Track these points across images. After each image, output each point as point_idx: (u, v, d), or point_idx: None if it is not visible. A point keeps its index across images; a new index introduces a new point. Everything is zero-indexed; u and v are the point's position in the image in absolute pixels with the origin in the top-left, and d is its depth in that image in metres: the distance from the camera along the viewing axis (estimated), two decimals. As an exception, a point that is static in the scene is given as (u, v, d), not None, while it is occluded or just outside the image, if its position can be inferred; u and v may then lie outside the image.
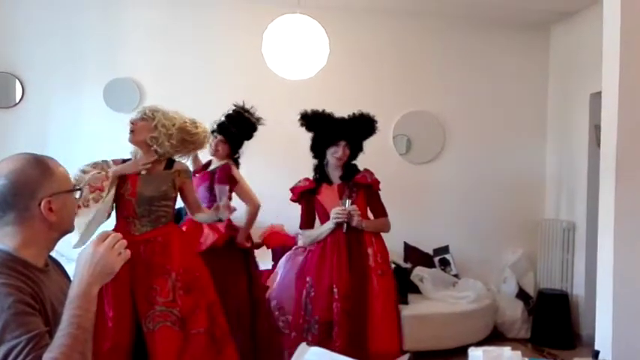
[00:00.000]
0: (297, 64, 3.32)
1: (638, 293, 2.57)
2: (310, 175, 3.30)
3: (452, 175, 5.10)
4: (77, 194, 1.47)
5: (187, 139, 2.90)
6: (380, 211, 3.27)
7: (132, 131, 2.82)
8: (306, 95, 4.61)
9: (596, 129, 4.53)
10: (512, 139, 5.20)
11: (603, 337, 2.60)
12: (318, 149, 3.24)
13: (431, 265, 4.87)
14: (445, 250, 4.97)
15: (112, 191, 2.74)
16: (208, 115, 4.34)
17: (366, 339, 3.01)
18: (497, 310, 4.74)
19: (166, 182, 2.85)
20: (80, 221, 2.62)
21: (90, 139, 4.50)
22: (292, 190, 3.29)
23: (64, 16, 4.55)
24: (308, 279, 3.16)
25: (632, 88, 2.77)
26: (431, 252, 4.97)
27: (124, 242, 1.33)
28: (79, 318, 1.22)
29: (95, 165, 2.86)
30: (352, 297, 3.04)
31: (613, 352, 2.47)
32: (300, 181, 3.29)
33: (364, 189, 3.21)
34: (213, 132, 3.41)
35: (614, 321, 2.55)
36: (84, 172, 2.80)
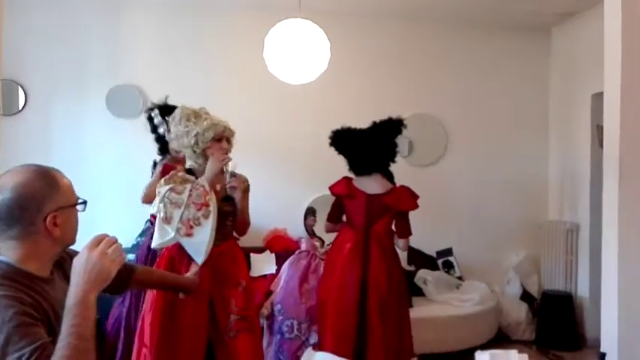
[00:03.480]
0: (298, 68, 3.33)
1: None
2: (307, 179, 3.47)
3: (454, 177, 5.09)
4: (81, 207, 1.44)
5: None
6: (402, 232, 3.42)
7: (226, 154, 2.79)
8: (308, 99, 4.64)
9: (598, 129, 4.53)
10: (515, 140, 5.20)
11: (609, 339, 2.59)
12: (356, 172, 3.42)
13: (434, 267, 4.87)
14: (449, 252, 4.96)
15: (214, 201, 2.66)
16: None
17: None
18: (501, 312, 4.72)
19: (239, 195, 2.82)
20: (197, 240, 2.58)
21: (93, 146, 4.52)
22: (330, 188, 3.44)
23: (67, 24, 4.57)
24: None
25: (633, 88, 2.77)
26: (434, 254, 4.96)
27: (119, 246, 1.30)
28: (78, 327, 1.19)
29: (175, 179, 2.75)
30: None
31: (619, 354, 2.47)
32: (340, 180, 3.42)
33: (396, 211, 3.34)
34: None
35: (619, 322, 2.54)
36: (171, 190, 2.70)
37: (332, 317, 3.18)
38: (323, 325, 3.24)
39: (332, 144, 3.37)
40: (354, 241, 3.28)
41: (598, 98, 4.34)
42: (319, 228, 4.24)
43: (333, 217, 3.44)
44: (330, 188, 3.40)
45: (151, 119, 3.60)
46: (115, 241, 1.30)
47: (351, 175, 3.39)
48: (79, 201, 1.43)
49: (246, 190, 2.81)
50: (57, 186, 1.37)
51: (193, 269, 2.07)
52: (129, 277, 1.74)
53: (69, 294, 1.23)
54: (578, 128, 4.82)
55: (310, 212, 4.59)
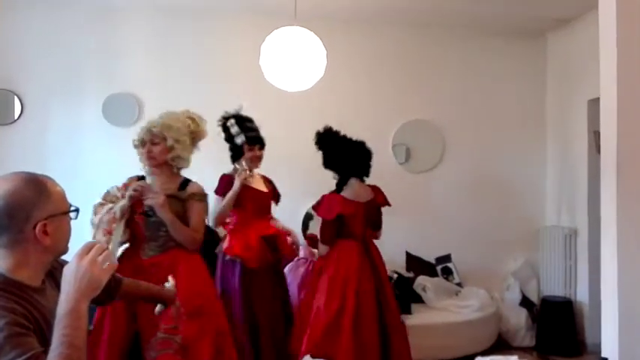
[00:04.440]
0: (294, 75, 3.33)
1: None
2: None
3: (452, 183, 5.09)
4: (74, 215, 1.42)
5: (195, 136, 2.87)
6: (379, 226, 3.66)
7: (151, 158, 2.74)
8: (305, 105, 4.63)
9: (595, 135, 4.54)
10: (512, 146, 5.20)
11: (609, 345, 2.58)
12: None
13: (433, 274, 4.85)
14: (447, 258, 4.95)
15: (119, 231, 2.64)
16: (208, 127, 4.36)
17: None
18: (501, 318, 4.71)
19: (178, 204, 2.71)
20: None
21: (90, 155, 4.51)
22: (328, 211, 3.49)
23: (63, 32, 4.56)
24: None
25: (630, 93, 2.77)
26: (433, 261, 4.95)
27: (109, 253, 1.28)
28: (70, 337, 1.17)
29: (106, 197, 2.77)
30: None
31: (620, 354, 2.45)
32: (332, 199, 3.50)
33: None
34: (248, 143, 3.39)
35: (620, 328, 2.52)
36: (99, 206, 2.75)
37: (351, 332, 3.14)
38: (338, 345, 3.13)
39: (331, 145, 3.43)
40: (357, 251, 3.33)
41: (594, 104, 4.35)
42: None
43: (331, 239, 3.37)
44: (329, 212, 3.34)
45: (226, 129, 3.43)
46: (105, 248, 1.27)
47: (330, 186, 3.49)
48: (72, 209, 1.41)
49: (197, 200, 2.71)
50: (47, 193, 1.34)
51: (172, 280, 2.01)
52: (116, 288, 1.72)
53: (59, 303, 1.21)
54: (575, 134, 4.82)
55: (309, 217, 4.59)
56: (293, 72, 3.28)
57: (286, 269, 3.78)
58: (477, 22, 4.93)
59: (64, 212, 1.38)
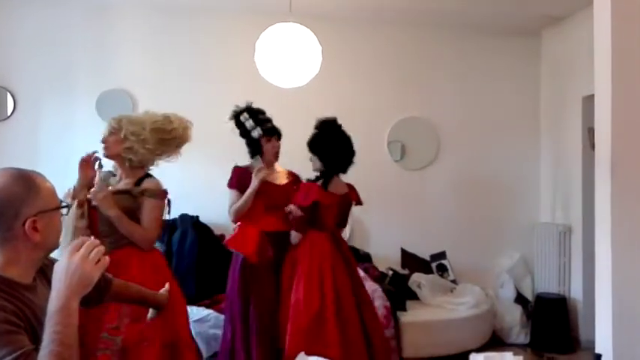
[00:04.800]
0: (289, 72, 3.32)
1: (637, 295, 2.57)
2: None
3: (447, 180, 5.10)
4: (64, 211, 1.40)
5: (166, 137, 2.70)
6: (346, 223, 3.67)
7: (105, 148, 2.67)
8: (301, 103, 4.62)
9: (589, 132, 4.55)
10: (506, 143, 5.21)
11: (603, 341, 2.59)
12: None
13: (428, 271, 4.86)
14: (442, 255, 4.95)
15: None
16: (202, 125, 4.33)
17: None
18: (495, 315, 4.72)
19: (130, 200, 2.59)
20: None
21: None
22: (306, 198, 3.46)
23: (56, 29, 4.53)
24: None
25: (624, 90, 2.78)
26: (428, 258, 4.95)
27: (101, 249, 1.26)
28: (61, 334, 1.15)
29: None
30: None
31: (614, 356, 2.46)
32: (311, 187, 3.45)
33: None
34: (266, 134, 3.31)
35: (614, 324, 2.54)
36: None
37: (335, 328, 3.12)
38: (323, 339, 3.10)
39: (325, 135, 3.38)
40: (328, 242, 3.30)
41: (589, 100, 4.36)
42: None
43: (304, 227, 3.31)
44: (305, 198, 3.28)
45: (241, 124, 3.32)
46: (96, 245, 1.25)
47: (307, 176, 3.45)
48: (62, 205, 1.39)
49: (149, 196, 2.57)
50: (36, 189, 1.32)
51: (167, 286, 1.93)
52: (106, 288, 1.68)
53: (50, 300, 1.20)
54: (569, 130, 4.84)
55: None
56: (288, 68, 3.27)
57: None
58: (472, 21, 4.94)
59: (53, 208, 1.36)
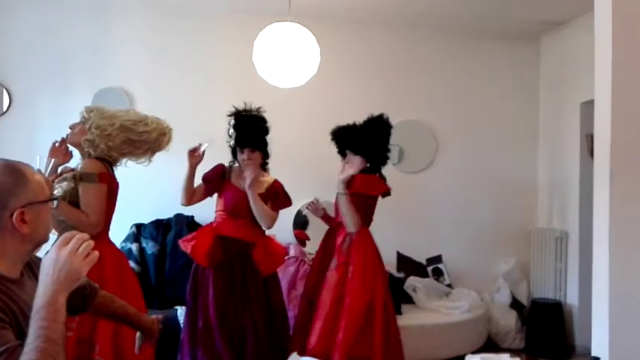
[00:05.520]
0: (287, 72, 3.30)
1: (634, 301, 2.55)
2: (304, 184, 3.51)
3: (444, 184, 5.08)
4: (54, 204, 1.38)
5: (135, 138, 2.62)
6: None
7: (69, 134, 2.64)
8: (298, 104, 4.61)
9: (587, 138, 4.54)
10: (504, 148, 5.20)
11: (600, 347, 2.57)
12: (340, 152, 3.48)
13: (424, 274, 4.84)
14: (438, 259, 4.94)
15: None
16: (199, 124, 4.31)
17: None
18: (490, 320, 4.70)
19: (69, 186, 2.50)
20: None
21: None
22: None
23: (53, 25, 4.50)
24: None
25: (624, 96, 2.77)
26: (424, 262, 4.94)
27: (91, 243, 1.23)
28: (47, 330, 1.12)
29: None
30: (311, 291, 3.31)
31: (610, 356, 2.45)
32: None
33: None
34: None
35: (610, 329, 2.52)
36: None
37: (381, 329, 3.09)
38: (369, 340, 3.05)
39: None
40: (373, 239, 3.34)
41: (587, 106, 4.36)
42: (313, 245, 4.27)
43: (368, 220, 3.36)
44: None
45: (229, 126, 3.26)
46: (85, 239, 1.23)
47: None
48: (52, 197, 1.38)
49: (81, 180, 2.49)
50: (25, 181, 1.30)
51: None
52: (92, 296, 1.64)
53: (37, 295, 1.17)
54: (567, 136, 4.83)
55: (300, 225, 4.56)
56: (286, 68, 3.24)
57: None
58: (471, 25, 4.93)
59: (42, 201, 1.34)
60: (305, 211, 3.65)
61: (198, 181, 3.22)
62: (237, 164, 3.24)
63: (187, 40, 4.68)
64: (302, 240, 4.39)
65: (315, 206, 3.51)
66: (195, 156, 3.08)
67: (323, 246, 3.42)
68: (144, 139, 2.66)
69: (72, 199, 2.49)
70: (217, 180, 3.20)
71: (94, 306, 1.65)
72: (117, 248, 2.84)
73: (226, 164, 3.29)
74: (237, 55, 4.23)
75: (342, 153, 3.40)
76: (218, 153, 3.26)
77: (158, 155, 3.05)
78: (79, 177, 2.51)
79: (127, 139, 2.61)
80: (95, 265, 2.36)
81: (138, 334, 1.73)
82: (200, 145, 3.10)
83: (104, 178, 2.57)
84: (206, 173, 3.23)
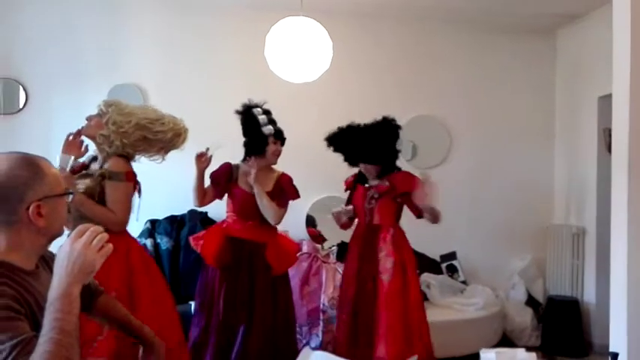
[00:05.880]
0: (299, 66, 3.28)
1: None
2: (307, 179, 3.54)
3: (458, 180, 5.03)
4: (69, 197, 1.39)
5: (150, 137, 2.62)
6: (415, 213, 3.47)
7: (86, 125, 2.64)
8: (310, 99, 4.60)
9: (604, 132, 4.47)
10: (520, 143, 5.14)
11: (618, 344, 2.53)
12: (349, 163, 3.44)
13: (438, 271, 4.81)
14: (452, 256, 4.90)
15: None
16: (212, 120, 4.33)
17: (372, 344, 3.09)
18: (505, 317, 4.66)
19: (93, 182, 2.52)
20: None
21: (93, 145, 4.48)
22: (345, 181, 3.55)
23: (68, 22, 4.54)
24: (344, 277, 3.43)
25: (643, 90, 2.72)
26: (438, 258, 4.90)
27: (105, 236, 1.23)
28: (61, 321, 1.13)
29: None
30: (355, 302, 3.19)
31: (629, 358, 2.41)
32: (350, 176, 3.53)
33: (394, 196, 3.35)
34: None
35: (629, 326, 2.49)
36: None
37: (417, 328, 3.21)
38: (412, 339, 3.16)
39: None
40: None
41: (604, 101, 4.29)
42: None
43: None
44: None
45: (251, 118, 3.16)
46: (100, 231, 1.23)
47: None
48: (68, 191, 1.39)
49: (108, 179, 2.49)
50: (42, 174, 1.31)
51: (152, 333, 1.71)
52: (96, 295, 1.63)
53: (51, 287, 1.18)
54: (584, 131, 4.76)
55: (312, 223, 4.57)
56: (298, 63, 3.23)
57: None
58: (486, 19, 4.87)
59: (59, 194, 1.35)
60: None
61: (208, 181, 3.22)
62: (243, 164, 3.20)
63: (200, 35, 4.69)
64: (317, 238, 4.37)
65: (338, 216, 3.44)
66: (202, 160, 3.08)
67: (358, 253, 3.31)
68: (159, 138, 2.67)
69: (91, 196, 2.52)
70: (225, 182, 3.17)
71: (98, 307, 1.63)
72: (138, 243, 2.88)
73: (233, 163, 3.28)
74: (250, 50, 4.23)
75: (351, 161, 3.41)
76: (225, 152, 3.24)
77: (172, 152, 3.07)
78: (107, 175, 2.53)
79: (142, 137, 2.61)
80: (122, 260, 2.46)
81: (141, 350, 1.68)
82: (207, 149, 3.09)
83: (130, 176, 2.62)
84: (214, 172, 3.21)
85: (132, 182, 2.62)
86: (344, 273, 3.44)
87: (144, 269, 2.60)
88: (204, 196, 3.17)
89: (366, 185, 3.39)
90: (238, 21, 4.68)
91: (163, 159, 2.83)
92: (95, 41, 4.56)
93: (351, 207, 3.35)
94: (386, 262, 3.22)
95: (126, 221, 2.60)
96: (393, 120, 3.33)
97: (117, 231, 2.49)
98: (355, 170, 3.48)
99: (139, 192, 2.71)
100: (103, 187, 2.53)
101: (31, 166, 1.31)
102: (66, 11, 4.54)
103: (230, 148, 3.25)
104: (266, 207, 3.05)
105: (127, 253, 2.55)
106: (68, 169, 2.55)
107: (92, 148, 2.76)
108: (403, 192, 3.30)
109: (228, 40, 4.70)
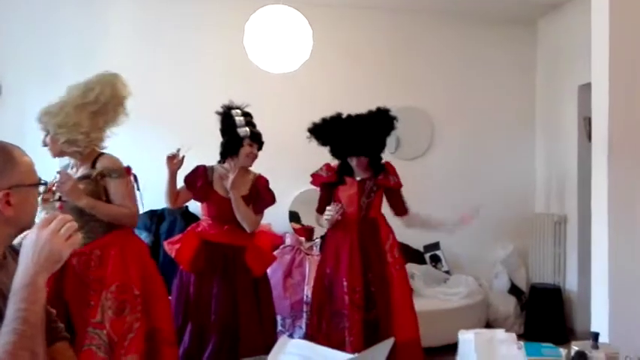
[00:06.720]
0: (279, 56, 3.23)
1: (633, 284, 2.54)
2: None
3: (441, 170, 5.05)
4: (41, 188, 1.35)
5: (94, 108, 2.50)
6: (401, 211, 3.42)
7: (49, 150, 2.53)
8: (292, 91, 4.55)
9: (585, 121, 4.50)
10: (501, 133, 5.16)
11: (599, 330, 2.56)
12: (336, 156, 3.29)
13: (422, 261, 4.82)
14: (436, 246, 4.91)
15: None
16: (192, 112, 4.27)
17: (391, 330, 3.08)
18: (489, 305, 4.69)
19: (92, 184, 2.46)
20: None
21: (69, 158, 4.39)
22: (312, 176, 3.35)
23: (44, 13, 4.43)
24: (328, 271, 3.22)
25: (622, 78, 2.73)
26: (421, 248, 4.91)
27: (74, 225, 1.18)
28: (25, 312, 1.09)
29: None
30: (375, 289, 3.16)
31: (610, 341, 2.43)
32: (321, 169, 3.33)
33: (385, 189, 3.32)
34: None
35: (610, 313, 2.51)
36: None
37: None
38: None
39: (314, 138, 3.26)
40: None
41: (585, 89, 4.32)
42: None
43: (323, 208, 3.34)
44: (313, 176, 3.32)
45: (229, 118, 3.06)
46: (68, 220, 1.18)
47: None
48: (40, 182, 1.34)
49: (110, 177, 2.46)
50: (13, 162, 1.27)
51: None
52: (54, 339, 1.48)
53: (16, 275, 1.13)
54: (564, 120, 4.79)
55: (295, 218, 4.52)
56: (278, 52, 3.18)
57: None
58: (467, 8, 4.87)
59: (30, 184, 1.31)
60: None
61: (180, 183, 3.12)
62: (218, 167, 3.11)
63: (179, 24, 4.61)
64: (306, 233, 4.31)
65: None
66: (174, 162, 2.97)
67: (358, 246, 3.21)
68: (102, 101, 2.55)
69: (98, 198, 2.49)
70: (202, 184, 3.05)
71: (51, 350, 1.45)
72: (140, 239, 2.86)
73: (207, 165, 3.17)
74: (232, 40, 4.16)
75: (339, 153, 3.24)
76: (204, 149, 3.17)
77: (152, 145, 3.00)
78: (108, 173, 2.49)
79: (90, 115, 2.50)
80: (137, 260, 2.45)
81: None
82: (179, 150, 2.98)
83: (129, 170, 2.59)
84: (188, 176, 3.10)
85: (131, 175, 2.59)
86: (329, 264, 3.25)
87: (154, 269, 2.64)
88: (176, 198, 3.07)
89: (358, 179, 3.26)
90: (220, 11, 4.61)
91: (126, 115, 2.69)
92: (72, 33, 4.46)
93: (340, 205, 3.17)
94: (394, 252, 3.26)
95: (138, 214, 2.59)
96: (389, 110, 3.25)
97: (133, 225, 2.56)
98: (320, 164, 3.36)
99: (138, 184, 2.66)
100: (104, 187, 2.49)
101: (1, 152, 1.27)
102: (41, 4, 4.42)
103: (212, 138, 3.19)
104: (243, 215, 2.98)
105: (137, 256, 2.55)
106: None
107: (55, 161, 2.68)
108: (398, 187, 3.35)
109: (209, 31, 4.63)
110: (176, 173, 3.02)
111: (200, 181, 3.05)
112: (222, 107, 3.14)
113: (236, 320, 2.94)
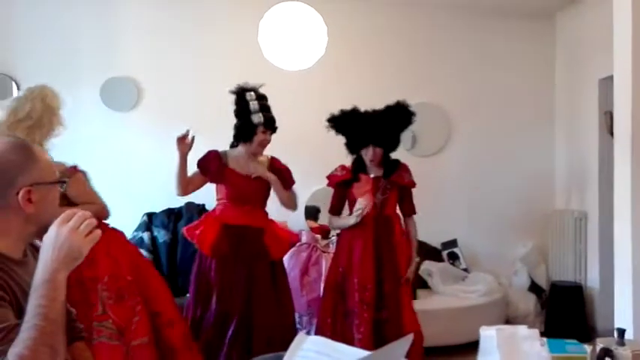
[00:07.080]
0: (294, 53, 3.21)
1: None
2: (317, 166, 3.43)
3: (459, 167, 4.99)
4: (60, 186, 1.35)
5: (30, 123, 2.56)
6: (408, 210, 3.38)
7: None
8: (307, 88, 4.54)
9: (606, 115, 4.42)
10: (520, 128, 5.09)
11: (623, 325, 2.50)
12: (351, 149, 3.27)
13: (439, 259, 4.78)
14: (453, 243, 4.87)
15: None
16: (207, 110, 4.27)
17: (400, 329, 3.05)
18: (508, 303, 4.63)
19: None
20: None
21: (88, 140, 4.41)
22: (328, 177, 3.33)
23: (60, 15, 4.47)
24: (340, 269, 3.19)
25: (645, 70, 2.67)
26: (439, 246, 4.87)
27: (93, 222, 1.19)
28: (45, 308, 1.09)
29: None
30: (387, 289, 3.14)
31: (634, 337, 2.38)
32: (336, 169, 3.31)
33: (398, 187, 3.28)
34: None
35: (634, 310, 2.45)
36: None
37: None
38: None
39: (332, 127, 3.25)
40: None
41: (605, 83, 4.24)
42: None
43: (337, 208, 3.38)
44: (328, 178, 3.31)
45: (244, 102, 3.02)
46: (88, 217, 1.19)
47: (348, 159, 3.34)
48: (59, 180, 1.35)
49: (66, 175, 2.42)
50: (34, 160, 1.27)
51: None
52: (73, 339, 1.49)
53: (36, 272, 1.14)
54: (585, 114, 4.71)
55: (312, 214, 4.51)
56: (293, 49, 3.16)
57: (287, 255, 3.69)
58: (485, 3, 4.81)
59: (50, 182, 1.31)
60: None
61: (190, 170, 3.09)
62: (234, 149, 3.11)
63: (194, 27, 4.62)
64: (322, 232, 4.29)
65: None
66: (185, 143, 2.92)
67: (372, 244, 3.18)
68: (37, 116, 2.57)
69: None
70: (216, 168, 3.04)
71: (71, 350, 1.47)
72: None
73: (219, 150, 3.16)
74: (246, 39, 4.16)
75: (355, 145, 3.22)
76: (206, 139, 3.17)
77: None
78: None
79: (25, 131, 2.52)
80: (114, 258, 2.48)
81: None
82: (188, 131, 2.93)
83: (75, 169, 2.65)
84: (201, 159, 3.08)
85: (79, 173, 2.65)
86: (341, 262, 3.22)
87: (138, 254, 2.76)
88: (187, 184, 3.02)
89: (372, 176, 3.22)
90: (233, 10, 4.61)
91: (62, 125, 2.74)
92: (88, 34, 4.49)
93: (367, 200, 3.11)
94: (408, 250, 3.28)
95: (106, 204, 2.66)
96: (409, 105, 3.23)
97: (107, 216, 2.62)
98: (336, 162, 3.34)
99: (87, 178, 2.73)
100: (62, 195, 2.50)
101: (23, 150, 1.28)
102: (58, 3, 4.46)
103: (228, 136, 3.19)
104: (285, 196, 3.07)
105: (121, 241, 2.67)
106: None
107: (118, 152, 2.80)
108: (411, 185, 3.36)
109: (223, 30, 4.63)
110: (187, 155, 2.96)
111: (214, 163, 3.04)
112: (236, 87, 3.10)
113: (250, 308, 2.93)
